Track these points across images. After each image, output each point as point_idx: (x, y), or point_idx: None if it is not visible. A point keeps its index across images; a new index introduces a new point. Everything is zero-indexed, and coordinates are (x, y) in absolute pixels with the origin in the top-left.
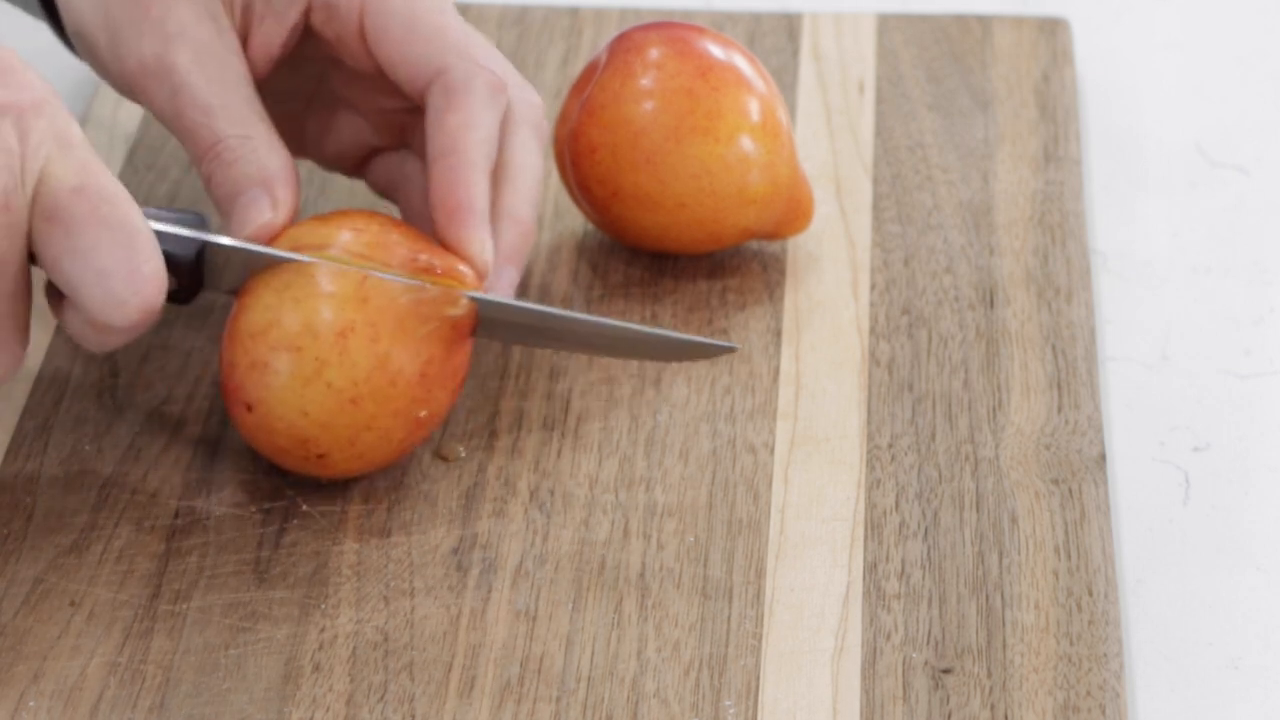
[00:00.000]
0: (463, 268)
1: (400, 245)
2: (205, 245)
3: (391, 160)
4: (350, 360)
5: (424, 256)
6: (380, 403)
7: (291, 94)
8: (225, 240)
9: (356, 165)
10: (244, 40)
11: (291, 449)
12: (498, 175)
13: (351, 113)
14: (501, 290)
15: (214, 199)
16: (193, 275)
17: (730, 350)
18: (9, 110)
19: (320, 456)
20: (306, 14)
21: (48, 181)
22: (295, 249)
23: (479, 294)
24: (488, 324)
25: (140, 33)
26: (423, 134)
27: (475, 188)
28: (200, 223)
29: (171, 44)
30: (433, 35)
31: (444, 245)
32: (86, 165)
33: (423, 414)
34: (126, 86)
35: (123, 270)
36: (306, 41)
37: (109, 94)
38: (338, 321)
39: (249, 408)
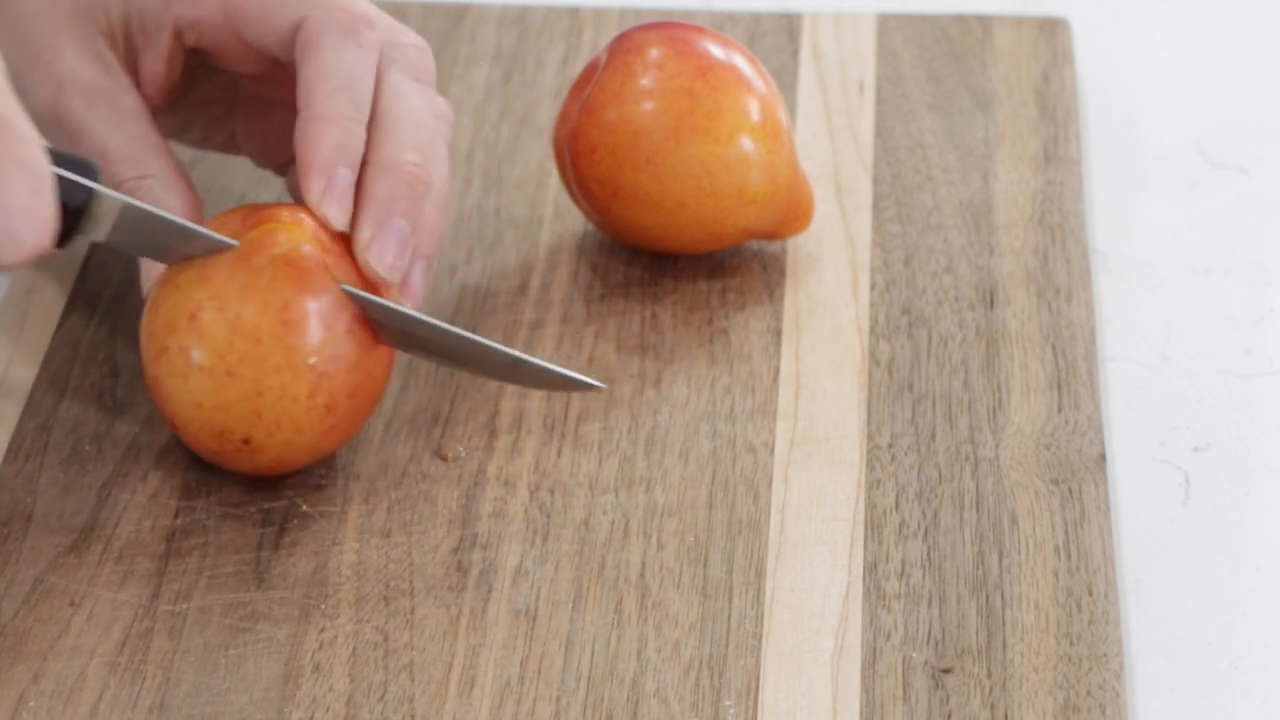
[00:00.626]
0: (288, 214)
1: (238, 220)
2: (92, 194)
3: None
4: (208, 336)
5: (255, 216)
6: (255, 364)
7: (213, 100)
8: (112, 193)
9: (284, 165)
10: (134, 74)
11: (219, 446)
12: (371, 125)
13: (274, 110)
14: (387, 241)
15: None
16: (72, 221)
17: (597, 389)
18: None
19: (246, 442)
20: (177, 36)
21: None
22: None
23: (352, 289)
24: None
25: (34, 81)
26: None
27: (315, 140)
28: (89, 170)
29: (63, 91)
30: None
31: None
32: (3, 98)
33: (313, 360)
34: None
35: (27, 210)
36: (204, 55)
37: None
38: (186, 306)
39: (173, 425)
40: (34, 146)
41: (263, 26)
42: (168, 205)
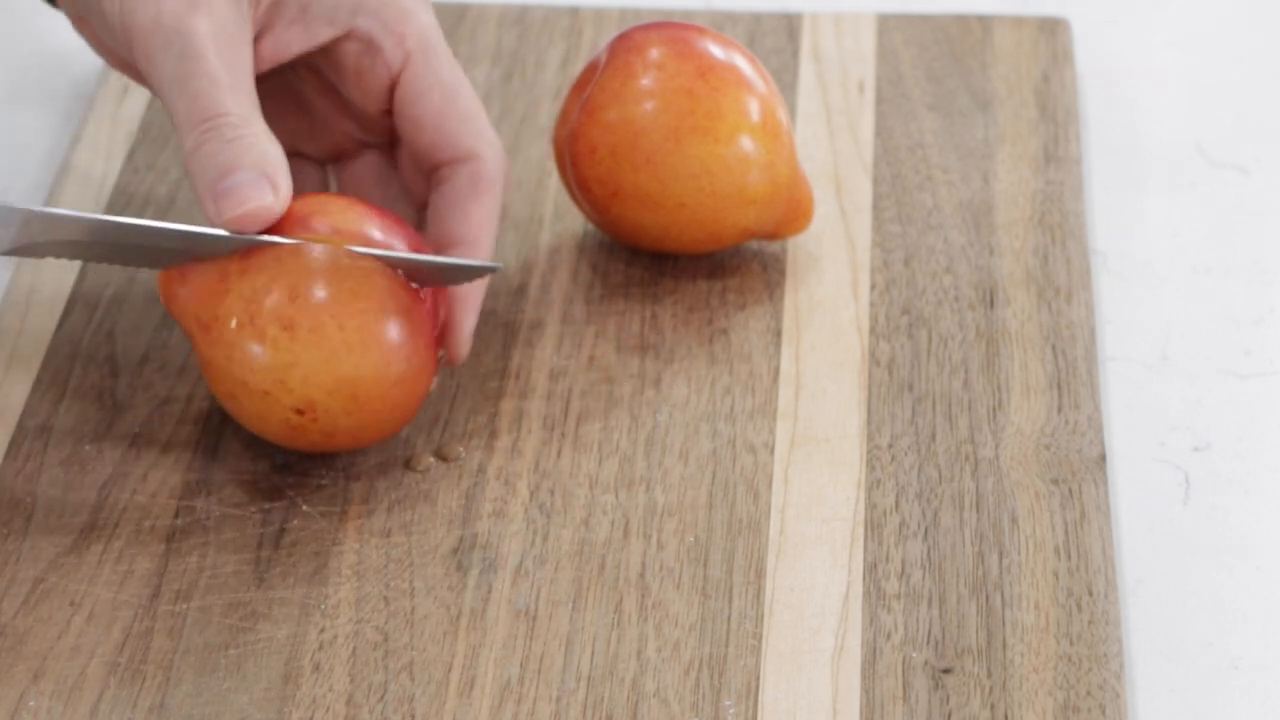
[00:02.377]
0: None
1: None
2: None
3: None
4: (224, 348)
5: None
6: (214, 378)
7: None
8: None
9: None
10: (258, 35)
11: (293, 434)
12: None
13: (296, 118)
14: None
15: (198, 170)
16: None
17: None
18: None
19: (300, 412)
20: (340, 40)
21: None
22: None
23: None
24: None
25: None
26: (371, 175)
27: (480, 281)
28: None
29: (195, 9)
30: (469, 117)
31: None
32: None
33: (233, 323)
34: (126, 43)
35: None
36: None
37: (110, 95)
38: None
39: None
40: None
41: (433, 119)
42: (270, 153)
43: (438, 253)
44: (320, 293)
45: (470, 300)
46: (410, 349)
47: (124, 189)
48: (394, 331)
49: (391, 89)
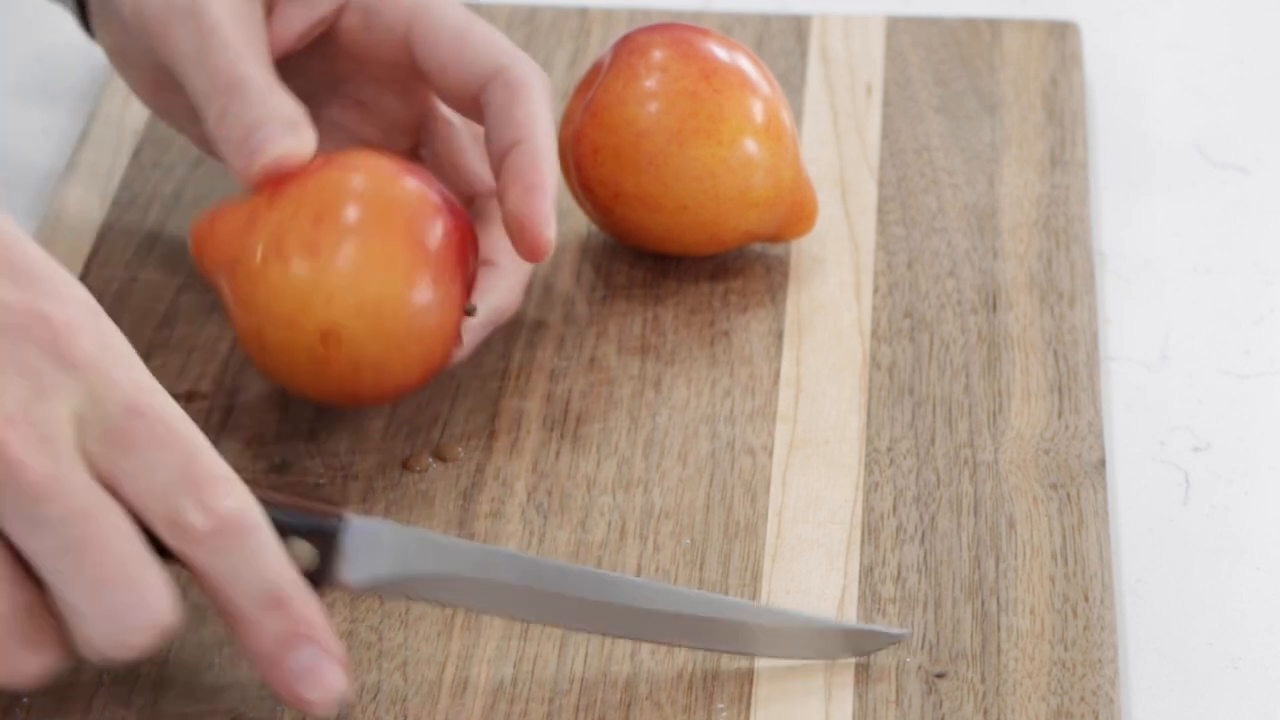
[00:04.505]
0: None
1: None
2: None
3: None
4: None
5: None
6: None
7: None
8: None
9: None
10: (266, 16)
11: (313, 371)
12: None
13: (349, 113)
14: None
15: (225, 133)
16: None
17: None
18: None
19: (335, 348)
20: (339, 11)
21: None
22: None
23: None
24: None
25: None
26: (430, 135)
27: (547, 168)
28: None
29: None
30: (483, 42)
31: (513, 221)
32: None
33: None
34: (142, 34)
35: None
36: (321, 40)
37: (117, 92)
38: None
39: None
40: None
41: (451, 55)
42: (292, 111)
43: (499, 163)
44: (343, 216)
45: (540, 187)
46: (436, 274)
47: (130, 185)
48: (419, 255)
49: (405, 54)
